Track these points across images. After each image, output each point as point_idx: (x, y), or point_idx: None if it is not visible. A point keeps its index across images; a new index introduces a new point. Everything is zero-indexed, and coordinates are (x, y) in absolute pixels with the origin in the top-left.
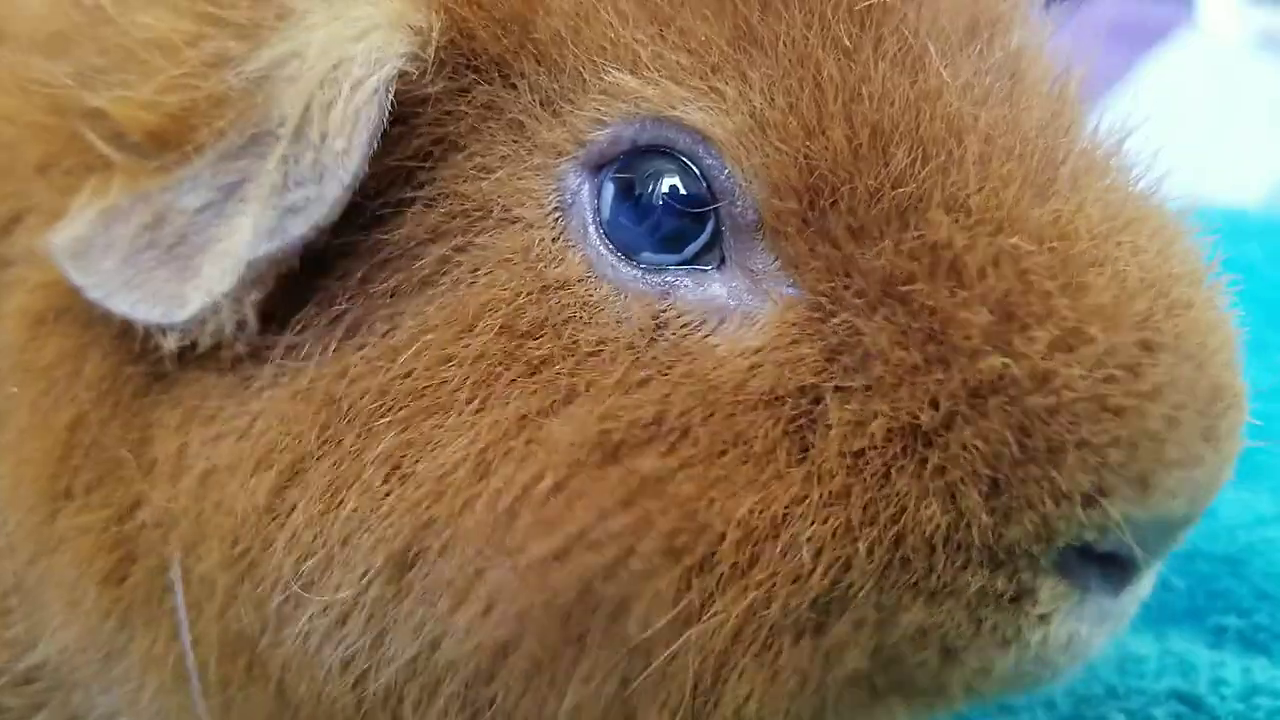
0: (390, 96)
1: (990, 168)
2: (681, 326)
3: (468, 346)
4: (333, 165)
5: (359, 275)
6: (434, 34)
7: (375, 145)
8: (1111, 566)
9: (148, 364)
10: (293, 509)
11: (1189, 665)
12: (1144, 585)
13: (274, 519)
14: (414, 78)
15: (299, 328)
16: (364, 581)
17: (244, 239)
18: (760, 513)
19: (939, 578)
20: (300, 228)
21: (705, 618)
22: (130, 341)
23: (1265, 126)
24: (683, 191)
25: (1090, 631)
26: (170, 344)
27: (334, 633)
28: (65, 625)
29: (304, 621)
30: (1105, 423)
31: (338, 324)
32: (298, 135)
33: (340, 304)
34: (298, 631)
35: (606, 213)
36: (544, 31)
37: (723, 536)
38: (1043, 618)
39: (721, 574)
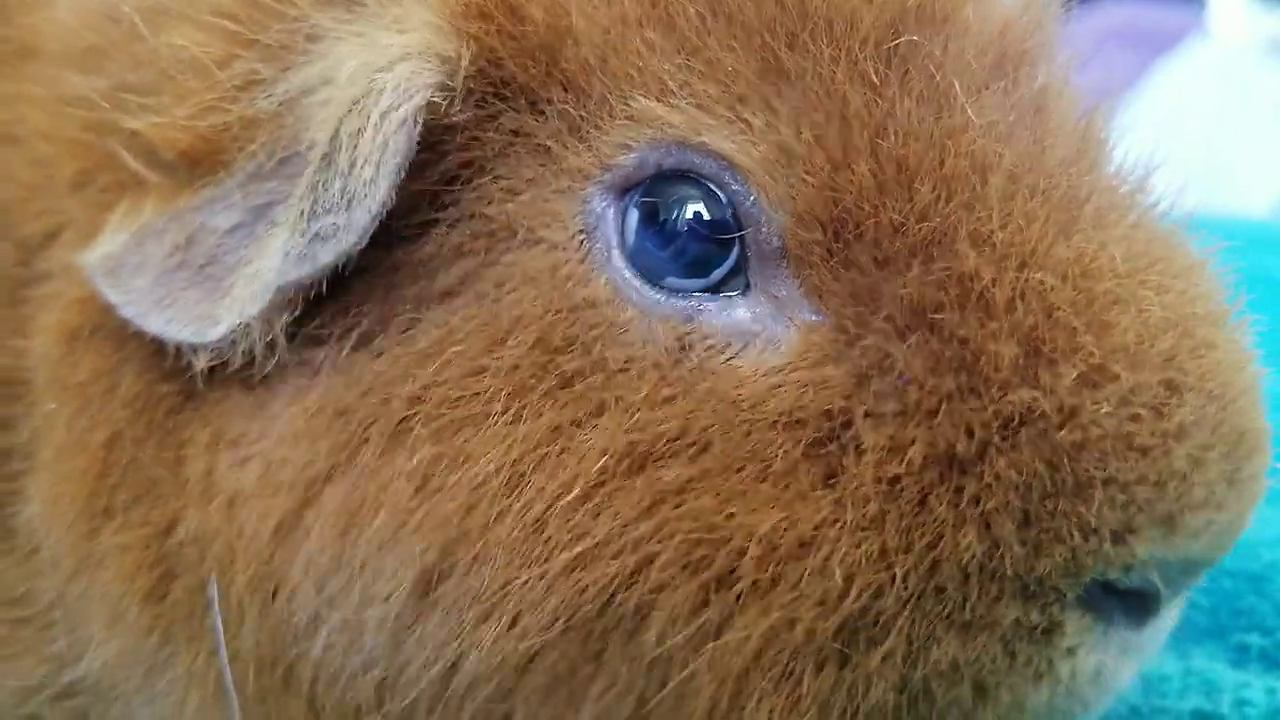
0: (419, 127)
1: (1014, 204)
2: (706, 349)
3: (500, 359)
4: (361, 193)
5: (378, 289)
6: (463, 63)
7: (403, 174)
8: (1134, 601)
9: (180, 382)
10: (308, 532)
11: (1212, 685)
12: (1167, 619)
13: (289, 542)
14: (442, 107)
15: (314, 342)
16: (388, 601)
17: (274, 264)
18: (784, 532)
19: (973, 609)
20: (329, 255)
21: (724, 636)
22: (163, 360)
23: (1275, 132)
24: (707, 217)
25: (1116, 664)
26: (202, 362)
27: (355, 653)
28: (107, 640)
29: (324, 640)
30: (1132, 460)
31: (349, 335)
32: (326, 162)
33: (355, 317)
34: (322, 647)
35: (631, 238)
36: (572, 60)
37: (743, 552)
38: (1070, 650)
39: (741, 591)
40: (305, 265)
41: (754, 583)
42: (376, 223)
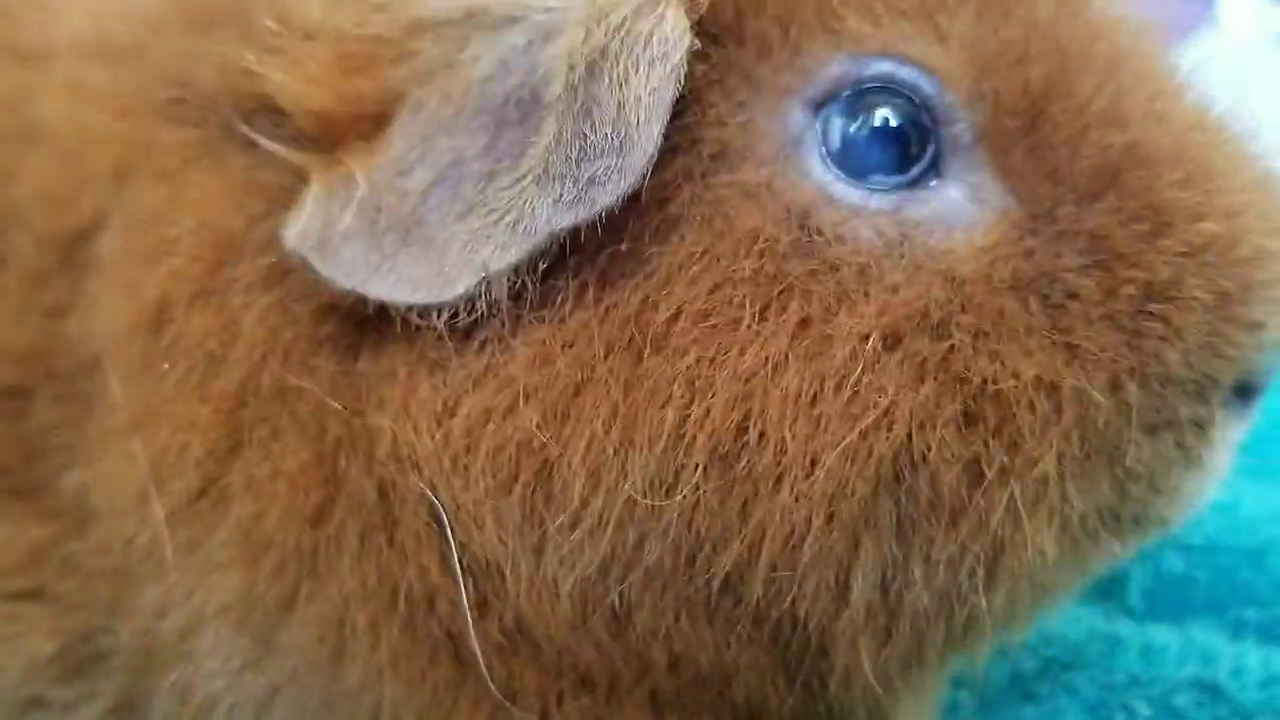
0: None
1: (1154, 83)
2: (921, 236)
3: (736, 271)
4: (634, 136)
5: (609, 222)
6: (703, 7)
7: (669, 115)
8: (1241, 397)
9: (335, 321)
10: (572, 436)
11: (1210, 654)
12: (1251, 416)
13: (556, 449)
14: None
15: (551, 276)
16: (679, 484)
17: (542, 213)
18: (1041, 376)
19: (1158, 412)
20: (608, 197)
21: (1010, 477)
22: (294, 305)
23: None
24: (905, 120)
25: (1225, 456)
26: (440, 321)
27: (594, 546)
28: (219, 584)
29: (575, 537)
30: (1271, 264)
31: (591, 268)
32: (582, 110)
33: (591, 250)
34: (556, 550)
35: (835, 144)
36: None
37: (1014, 400)
38: (1215, 441)
39: (1013, 434)
40: (581, 209)
41: (1025, 425)
42: (651, 165)
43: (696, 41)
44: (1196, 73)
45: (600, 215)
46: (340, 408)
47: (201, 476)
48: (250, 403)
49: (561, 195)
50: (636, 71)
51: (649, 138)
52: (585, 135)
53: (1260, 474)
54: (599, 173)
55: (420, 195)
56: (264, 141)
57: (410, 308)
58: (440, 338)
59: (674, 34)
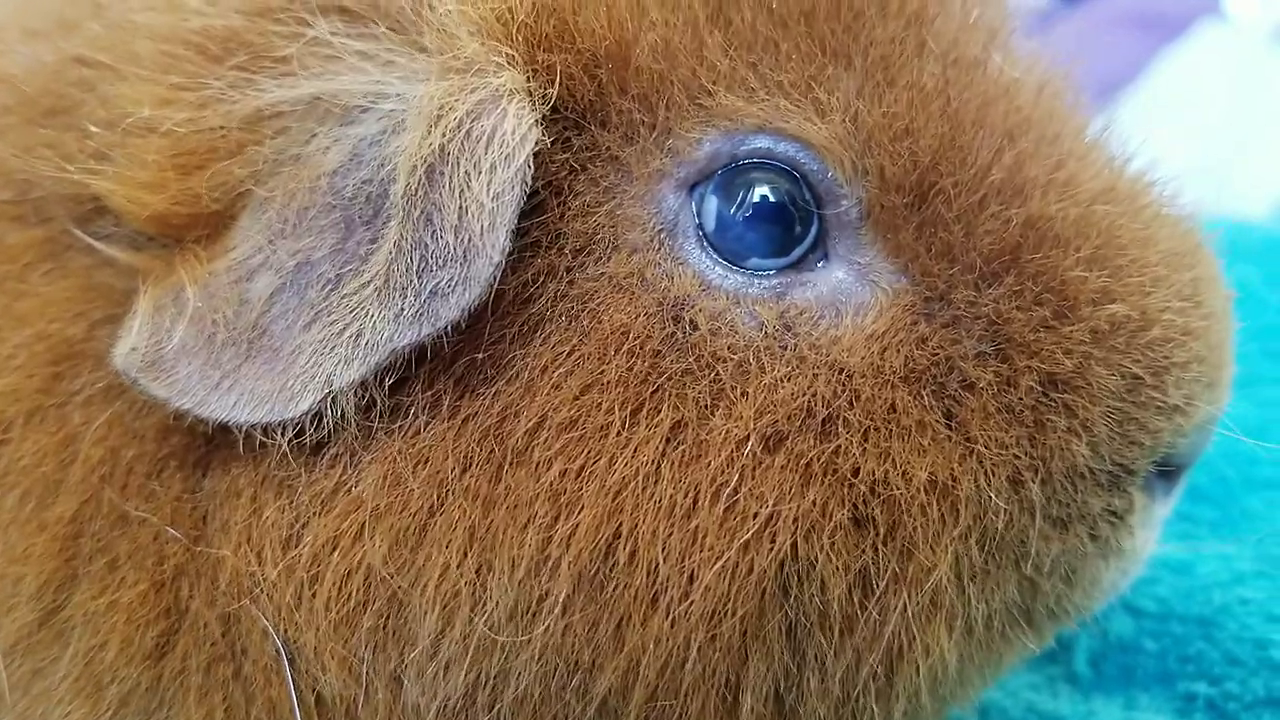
0: (530, 168)
1: (1059, 148)
2: (805, 323)
3: (604, 373)
4: (478, 244)
5: (464, 328)
6: (552, 96)
7: (517, 217)
8: (1164, 477)
9: (176, 441)
10: (425, 565)
11: None
12: (1177, 494)
13: (406, 578)
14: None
15: (403, 388)
16: (542, 613)
17: (384, 328)
18: (933, 476)
19: (1068, 505)
20: (451, 311)
21: (910, 579)
22: (135, 423)
23: None
24: (784, 198)
25: (1148, 538)
26: (285, 439)
27: (455, 677)
28: (68, 715)
29: (433, 667)
30: (1188, 343)
31: (446, 376)
32: (423, 217)
33: (447, 357)
34: (417, 677)
35: (711, 227)
36: (637, 65)
37: (908, 505)
38: (1133, 528)
39: (904, 540)
40: (424, 324)
41: (918, 530)
42: (499, 273)
43: (545, 137)
44: (1111, 129)
45: (447, 327)
46: (180, 536)
47: (39, 609)
48: (87, 531)
49: (403, 309)
50: (478, 175)
51: (494, 245)
52: (426, 244)
53: (1221, 525)
54: (442, 284)
55: (264, 303)
56: (97, 245)
57: (254, 425)
58: (286, 456)
59: (517, 133)
